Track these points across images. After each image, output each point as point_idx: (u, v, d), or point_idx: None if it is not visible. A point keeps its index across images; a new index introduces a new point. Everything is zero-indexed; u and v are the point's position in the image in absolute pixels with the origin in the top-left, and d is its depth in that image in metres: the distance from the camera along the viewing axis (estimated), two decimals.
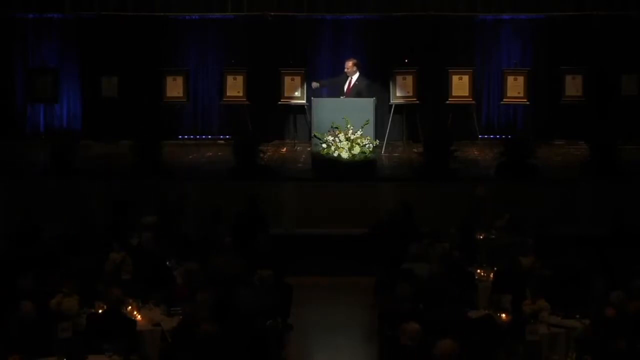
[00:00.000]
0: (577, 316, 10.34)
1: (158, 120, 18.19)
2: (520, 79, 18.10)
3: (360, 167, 15.35)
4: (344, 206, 15.02)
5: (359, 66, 16.52)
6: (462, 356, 8.73)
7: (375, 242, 13.43)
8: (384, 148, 17.32)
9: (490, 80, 18.77)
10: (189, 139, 18.77)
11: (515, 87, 18.10)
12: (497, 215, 13.69)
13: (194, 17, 18.81)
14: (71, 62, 18.79)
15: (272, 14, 18.39)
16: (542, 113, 18.49)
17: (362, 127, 15.43)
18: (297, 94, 18.07)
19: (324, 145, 15.44)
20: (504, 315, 10.30)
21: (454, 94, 18.10)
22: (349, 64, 16.40)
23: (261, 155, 15.85)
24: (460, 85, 18.04)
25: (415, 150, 17.06)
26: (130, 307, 10.30)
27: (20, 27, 18.76)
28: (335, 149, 15.34)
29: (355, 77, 16.42)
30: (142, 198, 14.33)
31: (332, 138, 15.38)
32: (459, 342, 8.69)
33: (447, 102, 18.10)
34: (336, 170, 15.34)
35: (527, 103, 18.24)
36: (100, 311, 10.19)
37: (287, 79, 18.09)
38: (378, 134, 16.61)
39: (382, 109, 17.66)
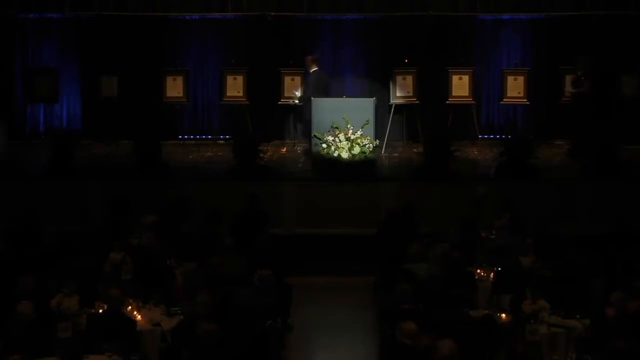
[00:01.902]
0: (577, 316, 10.34)
1: (158, 120, 18.20)
2: (520, 79, 18.12)
3: (360, 167, 15.35)
4: (343, 206, 15.02)
5: (317, 61, 16.81)
6: (462, 356, 8.74)
7: (375, 242, 13.43)
8: (384, 148, 17.33)
9: (490, 80, 18.78)
10: (189, 139, 18.78)
11: (515, 87, 18.11)
12: (497, 215, 13.69)
13: (194, 17, 18.82)
14: (71, 62, 18.80)
15: (272, 14, 18.40)
16: (542, 113, 18.50)
17: (362, 127, 15.45)
18: (297, 94, 18.07)
19: (324, 145, 15.44)
20: (504, 315, 10.31)
21: (454, 94, 18.11)
22: (308, 59, 16.83)
23: (261, 155, 15.85)
24: (460, 85, 18.05)
25: (415, 150, 17.06)
26: (130, 307, 10.30)
27: (20, 27, 18.77)
28: (335, 149, 15.34)
29: (312, 71, 16.73)
30: (142, 198, 14.33)
31: (332, 138, 15.39)
32: (459, 343, 8.70)
33: (447, 102, 18.10)
34: (336, 170, 15.34)
35: (527, 103, 18.25)
36: (100, 311, 10.20)
37: (287, 79, 18.10)
38: (378, 134, 16.62)
39: (382, 109, 17.67)
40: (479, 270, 11.83)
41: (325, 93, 16.79)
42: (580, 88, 16.73)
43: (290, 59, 18.32)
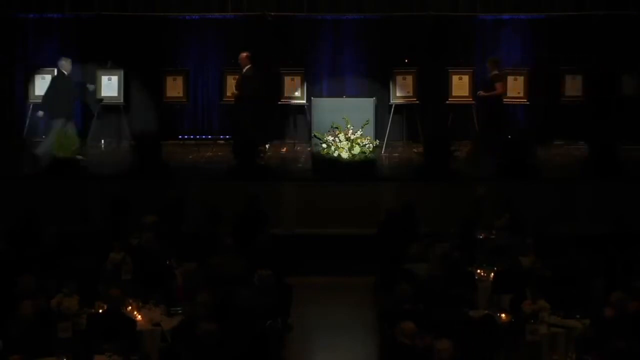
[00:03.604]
0: (577, 316, 10.35)
1: (158, 120, 18.20)
2: (520, 79, 18.12)
3: (360, 167, 15.34)
4: (343, 206, 15.01)
5: (250, 59, 16.85)
6: (462, 356, 8.75)
7: (375, 242, 13.42)
8: (384, 148, 17.33)
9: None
10: (189, 139, 18.77)
11: (515, 87, 18.10)
12: (497, 215, 13.69)
13: (194, 17, 18.81)
14: (71, 62, 18.75)
15: (272, 14, 18.39)
16: (542, 113, 18.49)
17: (362, 127, 15.45)
18: (297, 94, 18.09)
19: (324, 145, 15.44)
20: (504, 315, 10.31)
21: (454, 94, 18.10)
22: (244, 56, 16.87)
23: (261, 155, 15.85)
24: (460, 85, 18.04)
25: (415, 150, 17.06)
26: (130, 307, 10.31)
27: (20, 27, 18.76)
28: (335, 149, 15.34)
29: (245, 69, 16.78)
30: (142, 198, 14.33)
31: (332, 138, 15.39)
32: (459, 342, 8.70)
33: (447, 102, 18.09)
34: (336, 170, 15.34)
35: (527, 103, 18.24)
36: (100, 311, 10.20)
37: (287, 79, 18.10)
38: (378, 134, 16.65)
39: (382, 109, 17.69)
40: (479, 270, 11.84)
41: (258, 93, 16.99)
42: (492, 91, 16.66)
43: (290, 59, 18.32)
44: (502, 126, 16.75)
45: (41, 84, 18.09)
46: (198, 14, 18.71)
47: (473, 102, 18.13)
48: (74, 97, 16.83)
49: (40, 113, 16.72)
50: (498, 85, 16.56)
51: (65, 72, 16.56)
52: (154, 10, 18.44)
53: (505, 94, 17.15)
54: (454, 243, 12.28)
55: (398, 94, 17.98)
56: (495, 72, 16.64)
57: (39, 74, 18.26)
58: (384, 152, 17.31)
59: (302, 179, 15.71)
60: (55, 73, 16.92)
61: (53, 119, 16.44)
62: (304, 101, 18.01)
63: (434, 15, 18.37)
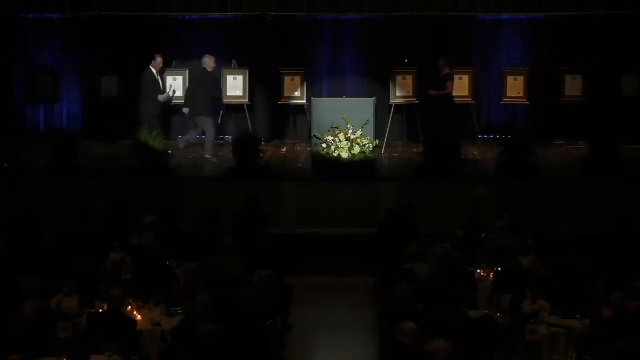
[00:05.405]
0: (577, 316, 10.35)
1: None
2: (520, 79, 18.12)
3: (360, 167, 15.35)
4: (343, 206, 15.02)
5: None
6: (462, 356, 8.75)
7: (375, 242, 13.43)
8: (384, 148, 17.33)
9: (490, 80, 18.76)
10: None
11: (515, 87, 18.11)
12: (497, 215, 13.70)
13: (194, 17, 18.80)
14: (71, 62, 18.78)
15: (272, 14, 18.37)
16: (542, 113, 18.49)
17: (362, 127, 15.46)
18: (297, 94, 18.08)
19: (324, 145, 15.44)
20: (504, 315, 10.31)
21: (453, 93, 18.07)
22: (158, 60, 17.06)
23: (261, 155, 15.84)
24: (460, 85, 18.02)
25: (415, 150, 17.06)
26: (130, 307, 10.31)
27: (20, 27, 18.76)
28: (335, 149, 15.34)
29: (158, 70, 17.11)
30: (142, 198, 14.33)
31: (332, 138, 15.39)
32: (459, 343, 8.70)
33: None
34: (336, 170, 15.34)
35: (527, 103, 18.24)
36: (100, 311, 10.21)
37: (287, 79, 18.10)
38: (378, 134, 16.65)
39: (382, 109, 17.69)
40: (479, 270, 11.84)
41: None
42: (445, 90, 16.69)
43: (290, 59, 18.32)
44: (452, 126, 16.74)
45: (41, 84, 18.17)
46: (198, 14, 18.69)
47: (473, 102, 18.15)
48: (215, 93, 17.18)
49: (186, 110, 17.12)
50: (449, 84, 16.61)
51: (208, 69, 16.86)
52: (154, 10, 18.41)
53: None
54: (454, 243, 12.29)
55: (398, 94, 17.97)
56: (447, 71, 16.71)
57: (39, 74, 18.29)
58: (384, 152, 17.31)
59: (302, 179, 15.72)
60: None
61: (197, 116, 16.79)
62: (304, 101, 18.01)
63: (434, 15, 18.35)
